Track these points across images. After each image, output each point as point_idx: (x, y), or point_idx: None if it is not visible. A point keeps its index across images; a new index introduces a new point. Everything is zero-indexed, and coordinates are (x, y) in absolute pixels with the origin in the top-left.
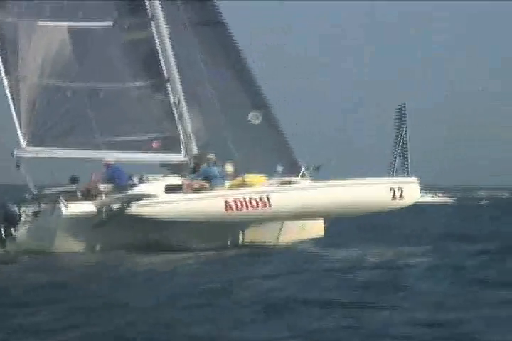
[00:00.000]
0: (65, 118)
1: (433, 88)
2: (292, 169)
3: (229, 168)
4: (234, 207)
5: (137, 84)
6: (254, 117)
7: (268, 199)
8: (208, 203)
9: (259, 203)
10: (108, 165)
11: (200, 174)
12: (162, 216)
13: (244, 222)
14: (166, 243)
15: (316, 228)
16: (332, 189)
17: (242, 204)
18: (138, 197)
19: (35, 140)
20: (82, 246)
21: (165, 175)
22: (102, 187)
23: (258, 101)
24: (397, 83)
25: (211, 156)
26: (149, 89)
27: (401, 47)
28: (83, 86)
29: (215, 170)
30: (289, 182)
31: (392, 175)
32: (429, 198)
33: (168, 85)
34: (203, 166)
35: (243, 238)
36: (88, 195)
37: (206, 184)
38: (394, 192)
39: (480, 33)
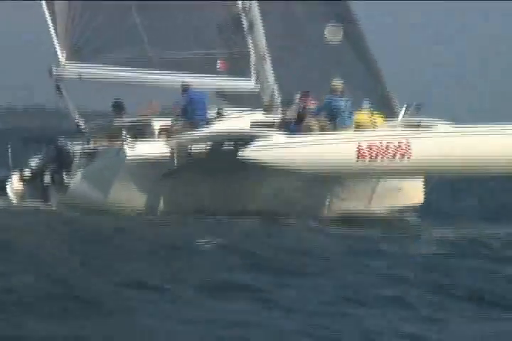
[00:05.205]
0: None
1: None
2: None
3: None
4: (368, 154)
5: None
6: (331, 33)
7: (409, 147)
8: (339, 148)
9: (398, 151)
10: (185, 90)
11: (322, 107)
12: (286, 163)
13: (376, 174)
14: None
15: (415, 192)
16: (488, 137)
17: (377, 152)
18: (240, 137)
19: (74, 53)
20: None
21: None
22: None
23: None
24: None
25: (337, 83)
26: None
27: None
28: None
29: (342, 103)
30: (419, 125)
31: None
32: None
33: None
34: (327, 96)
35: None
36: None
37: (326, 123)
38: None
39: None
